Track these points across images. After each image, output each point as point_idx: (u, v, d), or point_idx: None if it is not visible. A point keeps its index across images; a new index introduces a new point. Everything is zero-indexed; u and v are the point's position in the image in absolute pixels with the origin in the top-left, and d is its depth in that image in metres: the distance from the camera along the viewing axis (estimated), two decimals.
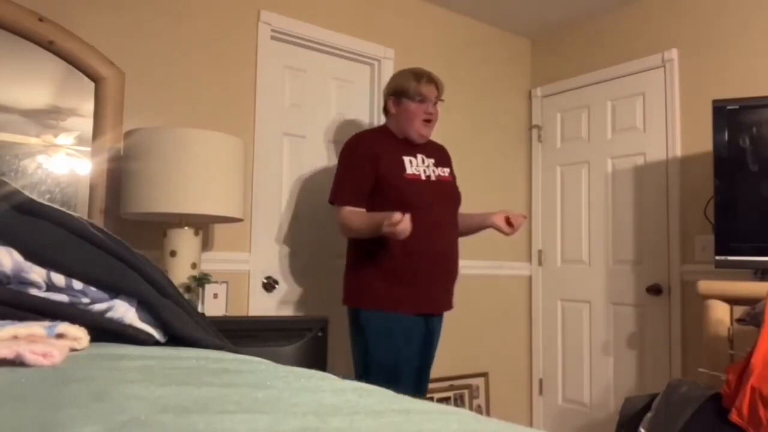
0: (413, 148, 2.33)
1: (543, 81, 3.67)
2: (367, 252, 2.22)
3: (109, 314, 0.97)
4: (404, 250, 2.17)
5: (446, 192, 2.35)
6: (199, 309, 2.12)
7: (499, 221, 2.31)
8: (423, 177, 2.28)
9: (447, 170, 2.39)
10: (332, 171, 2.95)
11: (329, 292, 2.90)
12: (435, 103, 2.33)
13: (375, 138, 2.34)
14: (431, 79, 2.32)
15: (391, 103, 2.34)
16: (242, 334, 2.02)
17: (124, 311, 0.98)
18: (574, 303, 3.42)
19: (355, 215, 2.21)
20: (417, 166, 2.29)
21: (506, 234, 2.32)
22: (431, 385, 2.69)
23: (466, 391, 3.27)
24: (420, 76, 2.30)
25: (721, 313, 2.29)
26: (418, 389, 2.31)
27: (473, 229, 2.46)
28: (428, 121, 2.32)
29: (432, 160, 2.35)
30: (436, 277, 2.26)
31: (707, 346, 2.32)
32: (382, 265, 2.20)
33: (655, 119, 3.12)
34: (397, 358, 2.17)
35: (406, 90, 2.29)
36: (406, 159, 2.28)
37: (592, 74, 3.39)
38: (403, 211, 2.10)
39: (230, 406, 0.59)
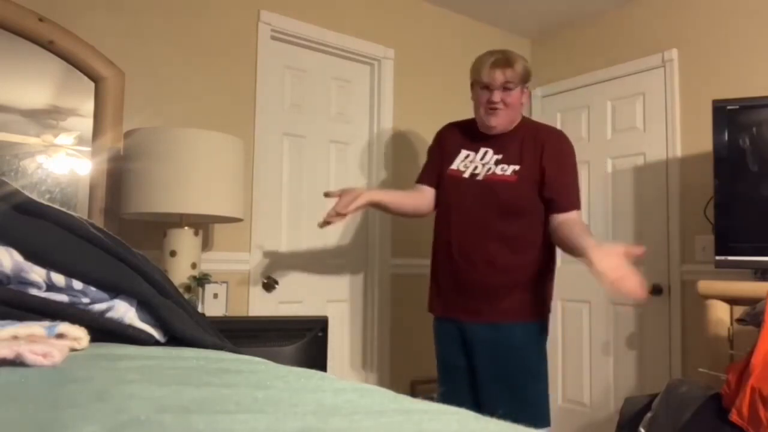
0: (484, 140, 2.10)
1: (543, 81, 3.67)
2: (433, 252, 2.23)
3: (109, 314, 0.97)
4: (439, 250, 2.14)
5: (490, 194, 2.03)
6: (199, 309, 2.12)
7: (605, 282, 1.63)
8: (466, 175, 2.07)
9: (511, 168, 2.03)
10: (331, 171, 2.98)
11: (329, 292, 2.90)
12: (504, 90, 2.02)
13: (454, 127, 2.23)
14: (496, 64, 2.01)
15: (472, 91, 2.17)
16: (242, 334, 2.02)
17: (124, 311, 0.98)
18: (574, 303, 3.42)
19: None
20: (470, 161, 2.09)
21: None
22: (429, 386, 2.68)
23: None
24: (483, 62, 2.04)
25: (721, 313, 2.29)
26: (491, 405, 2.00)
27: (571, 252, 1.97)
28: (493, 109, 2.03)
29: (499, 156, 2.06)
30: (463, 281, 2.07)
31: (707, 346, 2.33)
32: (431, 266, 2.20)
33: (655, 119, 3.12)
34: (440, 364, 2.19)
35: (474, 76, 2.09)
36: (464, 153, 2.12)
37: (592, 74, 3.39)
38: (442, 210, 2.13)
39: (230, 406, 0.59)
